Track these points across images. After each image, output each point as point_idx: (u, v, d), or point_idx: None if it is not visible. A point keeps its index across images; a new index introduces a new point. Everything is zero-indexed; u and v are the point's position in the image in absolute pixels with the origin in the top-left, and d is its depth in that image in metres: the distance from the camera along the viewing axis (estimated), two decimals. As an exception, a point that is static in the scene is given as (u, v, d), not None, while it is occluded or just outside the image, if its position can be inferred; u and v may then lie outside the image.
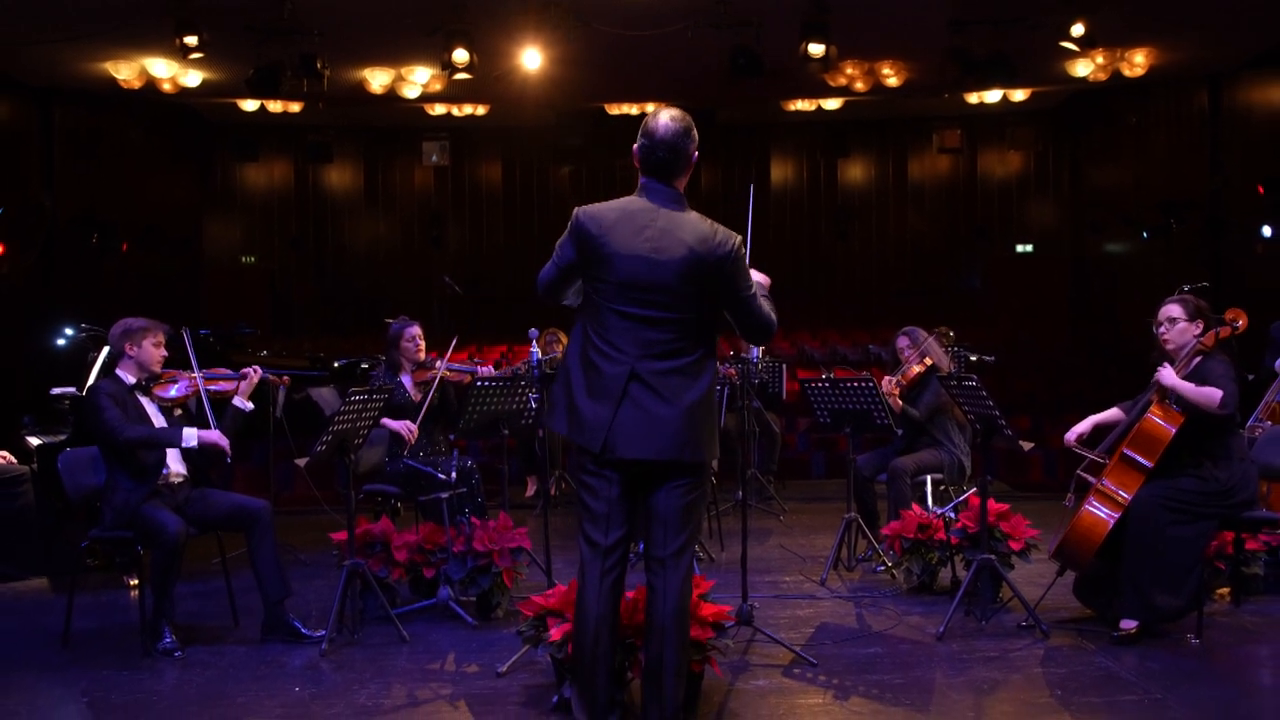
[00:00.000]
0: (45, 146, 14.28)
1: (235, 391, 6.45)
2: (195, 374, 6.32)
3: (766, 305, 4.38)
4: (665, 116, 4.27)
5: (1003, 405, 6.31)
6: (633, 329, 4.18)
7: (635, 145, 4.29)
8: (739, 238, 4.24)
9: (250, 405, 6.60)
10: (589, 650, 4.27)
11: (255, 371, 6.54)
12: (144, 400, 6.14)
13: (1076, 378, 15.36)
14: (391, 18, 11.87)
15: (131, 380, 6.12)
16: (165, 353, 6.27)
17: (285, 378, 7.03)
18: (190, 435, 5.90)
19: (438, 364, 7.24)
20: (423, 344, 7.35)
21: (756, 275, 4.48)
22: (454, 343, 7.47)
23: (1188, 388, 5.62)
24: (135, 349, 6.11)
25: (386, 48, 13.25)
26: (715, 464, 8.19)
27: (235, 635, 6.17)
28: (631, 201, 4.28)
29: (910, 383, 7.74)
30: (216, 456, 6.14)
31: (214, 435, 5.94)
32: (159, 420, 6.16)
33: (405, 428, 6.99)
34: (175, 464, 6.13)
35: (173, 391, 6.29)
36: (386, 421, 6.97)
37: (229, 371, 6.59)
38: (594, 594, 4.26)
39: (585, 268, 4.27)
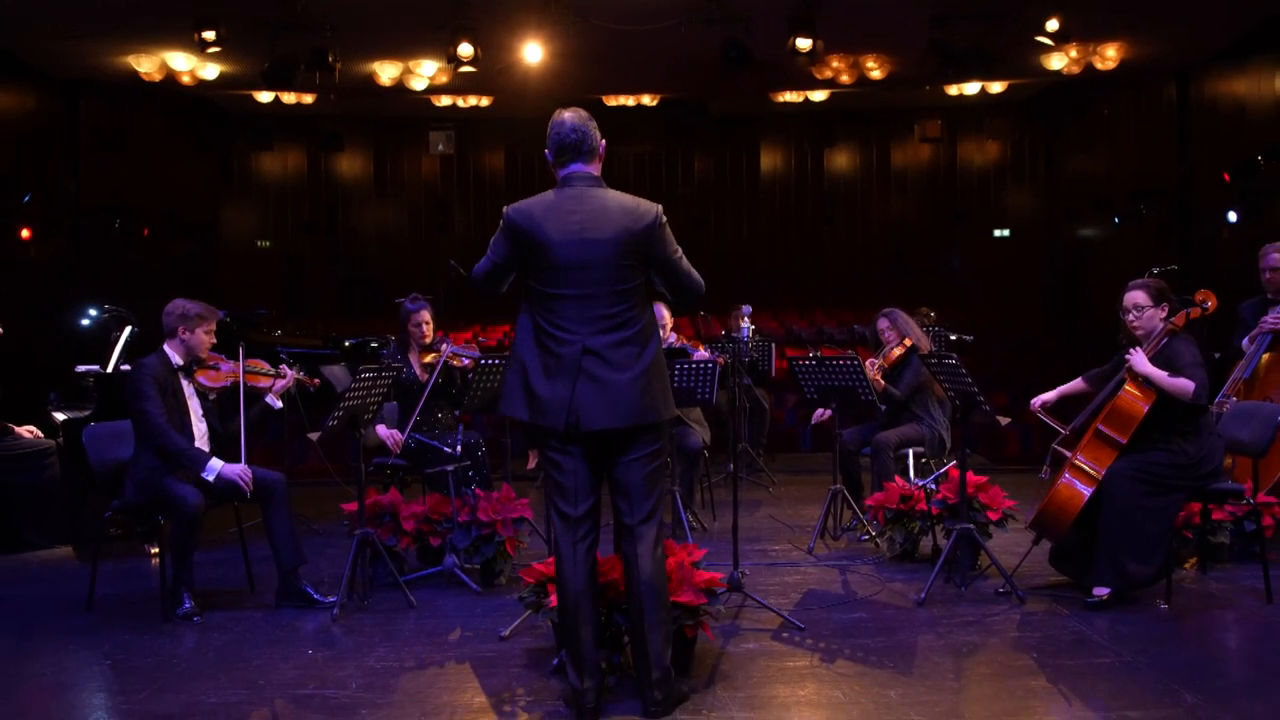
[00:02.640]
0: (71, 136, 14.21)
1: (270, 389, 6.44)
2: (238, 365, 6.27)
3: (692, 270, 4.46)
4: (568, 111, 4.40)
5: (981, 382, 6.29)
6: (579, 308, 4.23)
7: (545, 149, 4.41)
8: (659, 207, 4.34)
9: (280, 404, 6.59)
10: (572, 615, 4.31)
11: (292, 373, 6.55)
12: (185, 382, 6.10)
13: (1050, 356, 15.33)
14: (399, 13, 11.83)
15: (178, 361, 6.08)
16: (215, 340, 6.24)
17: (316, 380, 7.00)
18: (213, 468, 5.83)
19: (443, 347, 7.22)
20: (429, 328, 7.31)
21: None
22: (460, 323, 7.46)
23: (1160, 376, 5.59)
24: (188, 333, 6.07)
25: (395, 42, 13.19)
26: (707, 438, 8.25)
27: (251, 601, 6.16)
28: (554, 194, 4.36)
29: (892, 364, 7.72)
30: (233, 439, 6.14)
31: (236, 472, 5.86)
32: (193, 402, 6.12)
33: (391, 439, 6.95)
34: (200, 441, 6.11)
35: (214, 380, 6.24)
36: (380, 430, 6.95)
37: (269, 368, 6.55)
38: (570, 563, 4.31)
39: (524, 260, 4.33)
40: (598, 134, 4.44)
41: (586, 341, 4.21)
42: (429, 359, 7.27)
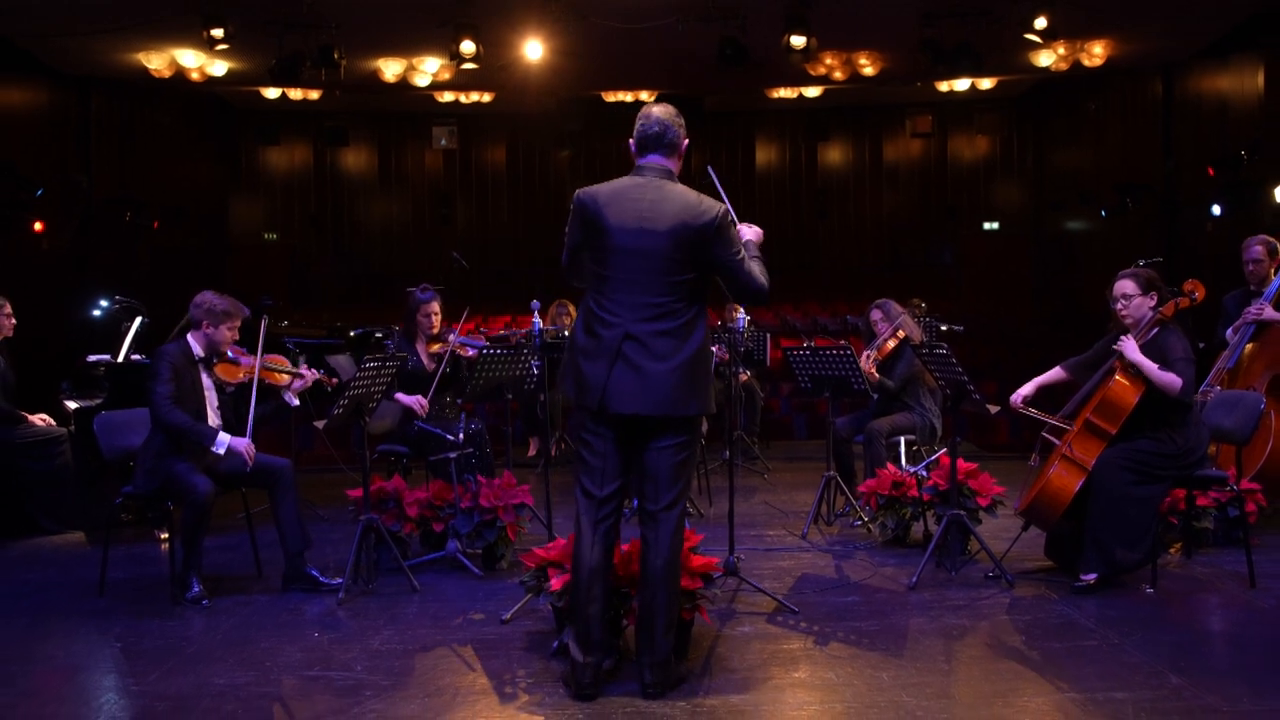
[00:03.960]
0: (83, 131, 14.16)
1: (289, 386, 6.43)
2: (256, 362, 6.25)
3: (758, 268, 4.44)
4: (658, 106, 4.41)
5: (971, 372, 6.28)
6: (628, 294, 4.24)
7: (630, 139, 4.40)
8: (723, 207, 4.33)
9: (297, 402, 6.59)
10: (583, 591, 4.32)
11: (311, 373, 6.54)
12: (204, 374, 6.08)
13: (1039, 346, 15.32)
14: (403, 11, 11.80)
15: (199, 353, 6.06)
16: (237, 336, 6.22)
17: (335, 379, 6.99)
18: (223, 441, 5.79)
19: (450, 337, 7.20)
20: (437, 319, 7.29)
21: (748, 232, 4.60)
22: (465, 313, 7.44)
23: (1151, 368, 5.58)
24: (212, 328, 6.05)
25: (399, 39, 13.16)
26: (704, 427, 8.24)
27: (259, 585, 6.14)
28: (625, 179, 4.36)
29: (885, 356, 7.71)
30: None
31: (243, 444, 5.85)
32: (210, 394, 6.09)
33: (417, 403, 6.94)
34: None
35: (233, 375, 6.23)
36: (400, 396, 6.94)
37: (289, 365, 6.54)
38: (589, 540, 4.32)
39: (588, 242, 4.33)
40: (681, 130, 4.42)
41: (630, 327, 4.22)
42: (435, 349, 7.26)
